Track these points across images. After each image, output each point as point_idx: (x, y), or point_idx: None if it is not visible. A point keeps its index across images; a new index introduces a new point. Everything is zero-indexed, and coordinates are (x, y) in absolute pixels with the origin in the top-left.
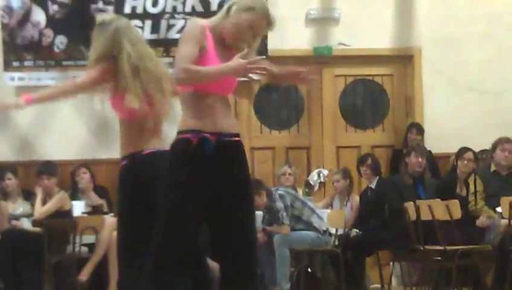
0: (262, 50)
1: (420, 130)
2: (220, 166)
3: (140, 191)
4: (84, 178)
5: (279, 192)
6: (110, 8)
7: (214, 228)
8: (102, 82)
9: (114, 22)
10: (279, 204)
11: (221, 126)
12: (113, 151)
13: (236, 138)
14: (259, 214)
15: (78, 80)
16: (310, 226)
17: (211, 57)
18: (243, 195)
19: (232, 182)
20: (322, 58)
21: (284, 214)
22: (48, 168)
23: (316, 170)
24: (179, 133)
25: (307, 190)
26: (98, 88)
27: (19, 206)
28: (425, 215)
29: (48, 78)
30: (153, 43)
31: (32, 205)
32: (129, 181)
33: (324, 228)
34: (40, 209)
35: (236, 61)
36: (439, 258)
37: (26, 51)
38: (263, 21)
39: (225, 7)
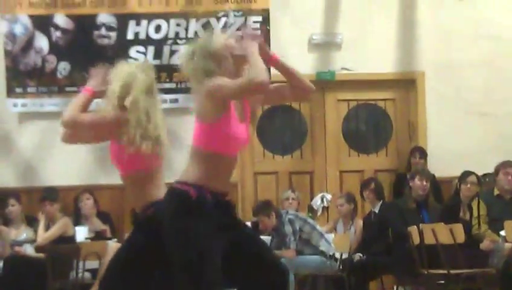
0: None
1: (423, 153)
2: (216, 220)
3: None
4: (87, 204)
5: (289, 216)
6: (113, 34)
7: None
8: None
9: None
10: (288, 228)
11: (224, 186)
12: (116, 177)
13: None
14: (267, 238)
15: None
16: (317, 250)
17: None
18: (243, 226)
19: (230, 223)
20: (324, 83)
21: (292, 238)
22: (50, 194)
23: (319, 195)
24: (183, 183)
25: (310, 214)
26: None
27: (22, 232)
28: (429, 240)
29: (51, 105)
30: (156, 69)
31: (35, 231)
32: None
33: (331, 253)
34: (43, 235)
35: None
36: (443, 282)
37: (29, 78)
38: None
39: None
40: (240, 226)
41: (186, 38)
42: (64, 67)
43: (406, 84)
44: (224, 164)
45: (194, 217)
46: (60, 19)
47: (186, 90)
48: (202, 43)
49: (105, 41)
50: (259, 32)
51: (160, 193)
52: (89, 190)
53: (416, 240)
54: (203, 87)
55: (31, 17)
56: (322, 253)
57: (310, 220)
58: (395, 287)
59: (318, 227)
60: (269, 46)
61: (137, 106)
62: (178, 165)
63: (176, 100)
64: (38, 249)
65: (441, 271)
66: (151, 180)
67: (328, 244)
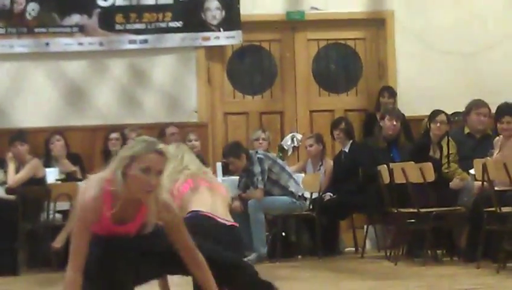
0: (235, 15)
1: (392, 93)
2: None
3: None
4: (57, 145)
5: (259, 155)
6: None
7: None
8: None
9: None
10: (257, 168)
11: None
12: (86, 119)
13: None
14: (235, 179)
15: None
16: (286, 191)
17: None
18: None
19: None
20: (294, 23)
21: (260, 178)
22: (19, 135)
23: (290, 135)
24: None
25: (280, 154)
26: None
27: None
28: (399, 179)
29: (20, 46)
30: (126, 9)
31: (5, 173)
32: None
33: (300, 193)
34: (14, 177)
35: None
36: (413, 220)
37: None
38: (152, 155)
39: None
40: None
41: None
42: (33, 8)
43: (376, 23)
44: None
45: None
46: None
47: (156, 31)
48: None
49: None
50: None
51: None
52: (59, 131)
53: (386, 179)
54: None
55: None
56: (291, 194)
57: (279, 161)
58: (365, 226)
59: (287, 168)
60: None
61: None
62: (148, 106)
63: (145, 41)
64: (8, 191)
65: (411, 210)
66: None
67: (297, 185)
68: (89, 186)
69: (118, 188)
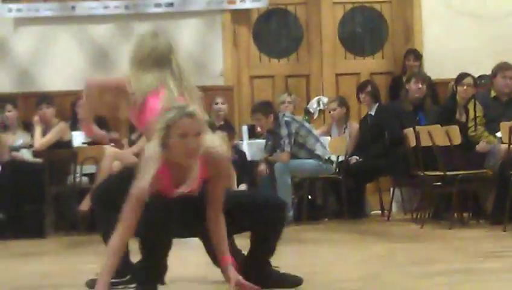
0: None
1: (418, 56)
2: None
3: None
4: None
5: (286, 118)
6: None
7: None
8: None
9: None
10: (284, 130)
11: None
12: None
13: None
14: (261, 142)
15: None
16: (312, 154)
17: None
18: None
19: None
20: None
21: (287, 141)
22: (46, 98)
23: (316, 98)
24: None
25: (306, 117)
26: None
27: (19, 138)
28: (425, 142)
29: (46, 10)
30: None
31: (32, 136)
32: None
33: (326, 157)
34: (40, 140)
35: None
36: (439, 183)
37: None
38: (185, 120)
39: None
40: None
41: None
42: None
43: None
44: None
45: None
46: None
47: None
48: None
49: None
50: None
51: None
52: None
53: (413, 142)
54: None
55: None
56: (318, 157)
57: (306, 124)
58: (391, 189)
59: (314, 131)
60: None
61: None
62: None
63: (171, 4)
64: (35, 154)
65: (437, 173)
66: None
67: (324, 148)
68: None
69: (164, 153)
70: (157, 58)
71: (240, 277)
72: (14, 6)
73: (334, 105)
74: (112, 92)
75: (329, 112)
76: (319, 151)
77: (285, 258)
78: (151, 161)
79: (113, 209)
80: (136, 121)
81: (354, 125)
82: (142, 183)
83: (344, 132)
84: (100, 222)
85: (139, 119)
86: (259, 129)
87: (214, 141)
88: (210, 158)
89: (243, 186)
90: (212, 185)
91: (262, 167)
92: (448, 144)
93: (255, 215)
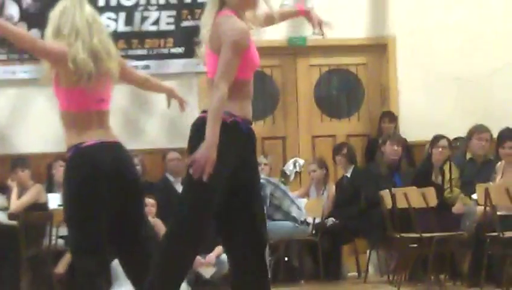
0: None
1: (393, 118)
2: (247, 150)
3: (88, 184)
4: (60, 171)
5: (261, 181)
6: None
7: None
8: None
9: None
10: None
11: (250, 113)
12: None
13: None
14: None
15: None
16: (288, 216)
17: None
18: (258, 178)
19: (253, 165)
20: (296, 48)
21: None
22: (21, 161)
23: (292, 160)
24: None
25: (282, 179)
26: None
27: None
28: (402, 203)
29: (22, 72)
30: (127, 36)
31: (8, 198)
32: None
33: (302, 219)
34: (16, 202)
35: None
36: (416, 245)
37: None
38: None
39: None
40: (256, 170)
41: (157, 4)
42: (35, 35)
43: (378, 49)
44: (248, 89)
45: (228, 142)
46: None
47: (158, 57)
48: None
49: None
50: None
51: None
52: (62, 157)
53: (389, 204)
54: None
55: None
56: (294, 219)
57: (282, 186)
58: (368, 251)
59: (289, 193)
60: None
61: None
62: (150, 130)
63: (147, 66)
64: (10, 216)
65: (414, 235)
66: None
67: (299, 210)
68: (232, 22)
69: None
70: None
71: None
72: None
73: (313, 166)
74: None
75: (309, 174)
76: (294, 213)
77: None
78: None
79: None
80: None
81: (332, 187)
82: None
83: (323, 194)
84: None
85: None
86: None
87: None
88: None
89: (217, 250)
90: None
91: None
92: (424, 205)
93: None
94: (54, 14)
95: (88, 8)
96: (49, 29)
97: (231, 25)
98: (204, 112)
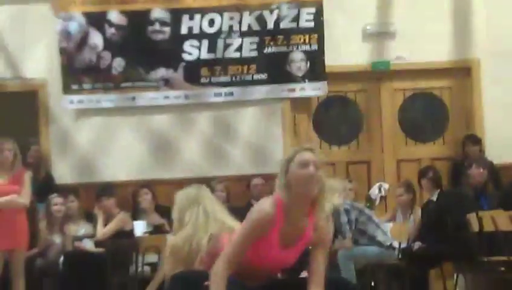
0: (320, 67)
1: (476, 140)
2: None
3: None
4: (146, 199)
5: (345, 206)
6: (167, 29)
7: None
8: None
9: None
10: (344, 218)
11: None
12: (173, 171)
13: None
14: None
15: None
16: (373, 241)
17: (269, 241)
18: None
19: None
20: (380, 73)
21: (347, 227)
22: (106, 189)
23: (377, 184)
24: None
25: (368, 204)
26: None
27: (80, 228)
28: (489, 227)
29: (107, 101)
30: (210, 63)
31: (94, 226)
32: None
33: (388, 243)
34: (102, 230)
35: None
36: (504, 269)
37: (84, 74)
38: (304, 152)
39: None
40: None
41: (240, 31)
42: (119, 64)
43: (462, 72)
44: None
45: None
46: (114, 16)
47: (241, 83)
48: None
49: (160, 36)
50: None
51: None
52: (147, 184)
53: (476, 227)
54: None
55: (85, 14)
56: (379, 243)
57: (366, 210)
58: (455, 276)
59: (374, 217)
60: (323, 37)
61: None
62: (234, 158)
63: (231, 93)
64: (97, 244)
65: (502, 258)
66: None
67: (385, 234)
68: (262, 202)
69: (285, 195)
70: None
71: None
72: (75, 98)
73: (401, 191)
74: None
75: (396, 197)
76: (380, 237)
77: None
78: (269, 199)
79: None
80: None
81: (418, 211)
82: (262, 208)
83: (409, 218)
84: None
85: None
86: None
87: (334, 184)
88: (317, 220)
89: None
90: (314, 255)
91: None
92: None
93: None
94: (181, 202)
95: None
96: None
97: (259, 205)
98: None
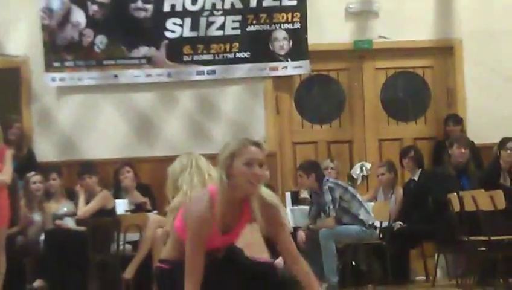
0: (303, 45)
1: (457, 120)
2: None
3: None
4: (127, 177)
5: (330, 184)
6: (150, 6)
7: None
8: None
9: None
10: (328, 196)
11: None
12: (155, 149)
13: None
14: (304, 208)
15: None
16: (356, 219)
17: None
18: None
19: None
20: (362, 51)
21: (331, 206)
22: (88, 167)
23: (359, 164)
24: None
25: (350, 183)
26: None
27: (62, 206)
28: (470, 207)
29: (89, 78)
30: (193, 41)
31: (76, 204)
32: None
33: (370, 222)
34: (84, 208)
35: None
36: (484, 248)
37: (66, 52)
38: (251, 148)
39: (218, 176)
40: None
41: (223, 9)
42: (101, 41)
43: (444, 51)
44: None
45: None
46: None
47: (224, 62)
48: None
49: (142, 14)
50: None
51: None
52: (129, 163)
53: (457, 207)
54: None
55: None
56: (361, 222)
57: (351, 188)
58: (435, 255)
59: (358, 195)
60: (306, 16)
61: None
62: (216, 136)
63: (213, 72)
64: (79, 222)
65: (482, 238)
66: None
67: (368, 213)
68: (195, 200)
69: (224, 190)
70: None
71: None
72: (57, 75)
73: (382, 170)
74: None
75: (378, 176)
76: (363, 216)
77: None
78: (202, 195)
79: None
80: None
81: (399, 190)
82: (199, 209)
83: (390, 197)
84: None
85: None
86: (301, 193)
87: (267, 192)
88: (265, 202)
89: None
90: (276, 236)
91: (302, 235)
92: (493, 208)
93: None
94: (174, 170)
95: (204, 164)
96: (170, 183)
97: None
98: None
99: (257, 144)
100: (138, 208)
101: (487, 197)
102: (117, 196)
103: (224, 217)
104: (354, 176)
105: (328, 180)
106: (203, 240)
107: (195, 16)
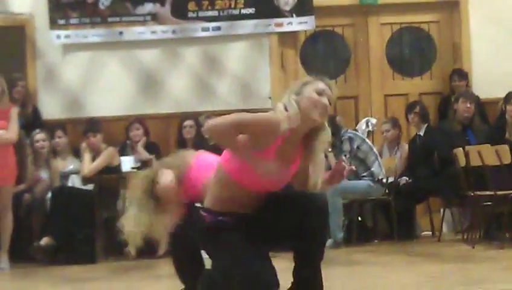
0: (308, 1)
1: (462, 75)
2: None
3: None
4: (137, 134)
5: (349, 134)
6: None
7: None
8: None
9: None
10: (347, 146)
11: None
12: (160, 106)
13: None
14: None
15: None
16: (368, 171)
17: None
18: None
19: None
20: (367, 7)
21: (348, 156)
22: (92, 125)
23: (364, 119)
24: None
25: None
26: None
27: (68, 164)
28: (475, 161)
29: (94, 35)
30: None
31: (82, 162)
32: None
33: (380, 177)
34: (89, 166)
35: None
36: (490, 203)
37: (71, 9)
38: (323, 85)
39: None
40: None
41: None
42: None
43: (450, 6)
44: (244, 195)
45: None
46: None
47: (228, 18)
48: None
49: None
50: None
51: None
52: (139, 119)
53: (462, 162)
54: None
55: None
56: (372, 174)
57: (368, 140)
58: (441, 210)
59: (375, 149)
60: None
61: None
62: (221, 93)
63: (218, 28)
64: (84, 180)
65: (488, 192)
66: None
67: (380, 167)
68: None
69: (292, 114)
70: None
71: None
72: (62, 32)
73: (387, 126)
74: None
75: (382, 133)
76: (375, 169)
77: (335, 280)
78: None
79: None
80: None
81: (404, 146)
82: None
83: (395, 153)
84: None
85: None
86: None
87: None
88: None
89: None
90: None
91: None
92: (498, 163)
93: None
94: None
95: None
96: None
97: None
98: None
99: (327, 83)
100: (144, 166)
101: (493, 151)
102: (123, 153)
103: (283, 149)
104: (360, 132)
105: (346, 131)
106: (260, 136)
107: None
